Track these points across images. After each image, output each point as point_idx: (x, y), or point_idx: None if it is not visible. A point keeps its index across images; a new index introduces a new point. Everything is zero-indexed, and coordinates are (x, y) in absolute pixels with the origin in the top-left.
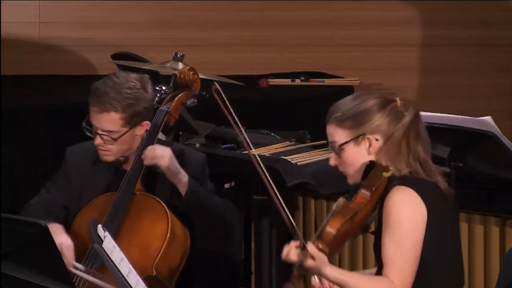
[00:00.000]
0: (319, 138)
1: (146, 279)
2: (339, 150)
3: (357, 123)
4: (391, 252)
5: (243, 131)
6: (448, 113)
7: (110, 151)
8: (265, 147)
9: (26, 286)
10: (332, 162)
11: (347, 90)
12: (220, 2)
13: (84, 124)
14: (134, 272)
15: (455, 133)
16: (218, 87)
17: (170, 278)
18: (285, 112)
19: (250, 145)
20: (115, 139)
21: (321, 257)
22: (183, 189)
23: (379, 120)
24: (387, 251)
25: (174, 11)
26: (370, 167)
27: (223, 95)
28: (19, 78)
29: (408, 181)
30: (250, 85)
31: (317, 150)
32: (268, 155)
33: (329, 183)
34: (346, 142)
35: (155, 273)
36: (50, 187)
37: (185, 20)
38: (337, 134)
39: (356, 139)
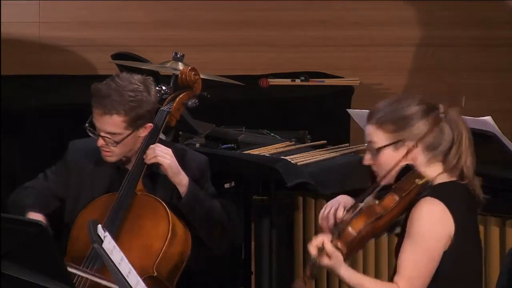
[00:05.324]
0: (319, 138)
1: (147, 279)
2: (377, 152)
3: (398, 128)
4: (406, 261)
5: None
6: None
7: (112, 153)
8: (265, 147)
9: (26, 286)
10: (367, 161)
11: (347, 90)
12: (220, 2)
13: (87, 125)
14: (134, 272)
15: None
16: None
17: (171, 279)
18: (285, 112)
19: None
20: (117, 142)
21: (338, 257)
22: (183, 191)
23: (420, 128)
24: (403, 259)
25: (174, 11)
26: (405, 171)
27: None
28: (19, 78)
29: (441, 192)
30: (250, 85)
31: (317, 150)
32: (268, 155)
33: (329, 183)
34: (385, 146)
35: (155, 273)
36: (48, 175)
37: (185, 20)
38: (377, 135)
39: (396, 144)
